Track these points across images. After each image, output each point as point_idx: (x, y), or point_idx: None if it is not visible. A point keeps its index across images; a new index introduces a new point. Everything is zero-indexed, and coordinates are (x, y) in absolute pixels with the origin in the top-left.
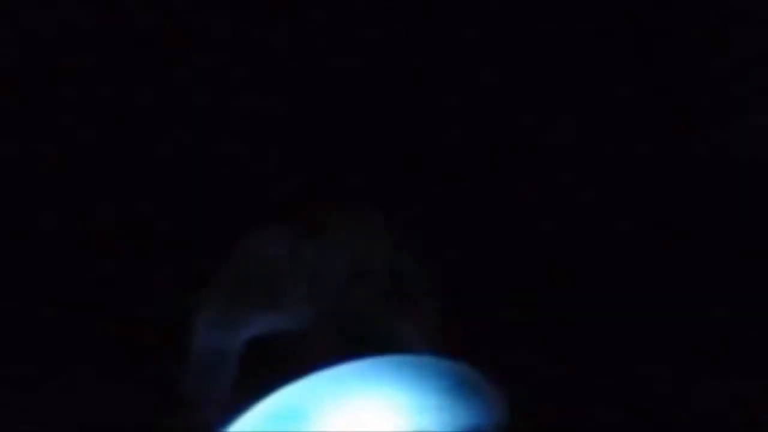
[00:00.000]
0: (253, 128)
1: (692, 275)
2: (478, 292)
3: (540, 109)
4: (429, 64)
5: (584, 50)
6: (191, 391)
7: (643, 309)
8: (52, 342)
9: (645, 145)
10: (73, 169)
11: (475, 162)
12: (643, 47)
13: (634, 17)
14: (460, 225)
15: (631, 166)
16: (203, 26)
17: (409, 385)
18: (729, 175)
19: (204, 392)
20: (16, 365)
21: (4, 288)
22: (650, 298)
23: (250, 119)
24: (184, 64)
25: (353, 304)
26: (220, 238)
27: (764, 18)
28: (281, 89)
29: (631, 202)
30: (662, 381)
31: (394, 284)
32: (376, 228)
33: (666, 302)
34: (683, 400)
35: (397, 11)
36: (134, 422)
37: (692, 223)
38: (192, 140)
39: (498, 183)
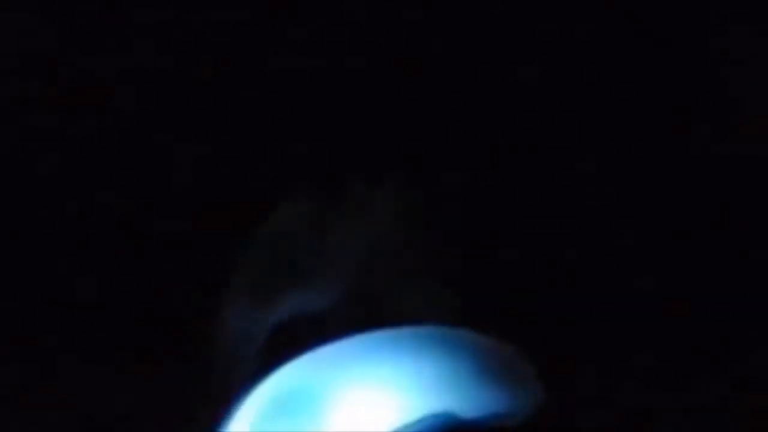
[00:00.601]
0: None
1: (692, 277)
2: (478, 291)
3: (539, 108)
4: (431, 61)
5: (583, 50)
6: (217, 379)
7: (643, 310)
8: (78, 325)
9: (644, 146)
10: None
11: (474, 160)
12: (642, 47)
13: (633, 16)
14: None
15: (631, 167)
16: (204, 25)
17: (435, 357)
18: (729, 177)
19: (230, 380)
20: (41, 354)
21: (19, 276)
22: (650, 300)
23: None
24: (186, 61)
25: (375, 284)
26: (241, 223)
27: (765, 18)
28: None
29: (631, 203)
30: (663, 382)
31: (415, 262)
32: (393, 205)
33: (665, 304)
34: (683, 401)
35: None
36: (159, 410)
37: (692, 224)
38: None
39: (497, 182)
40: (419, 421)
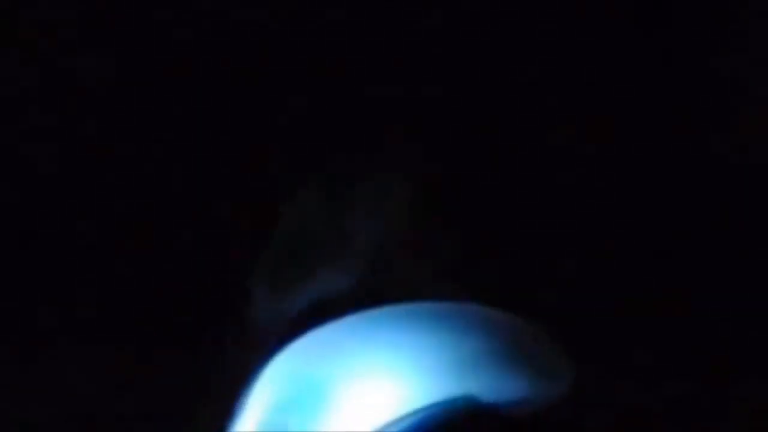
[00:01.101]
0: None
1: (692, 277)
2: (477, 291)
3: (539, 108)
4: (436, 60)
5: (583, 50)
6: (230, 377)
7: (643, 310)
8: (79, 325)
9: (643, 145)
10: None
11: (477, 156)
12: (642, 46)
13: (634, 17)
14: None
15: (630, 167)
16: (204, 25)
17: (444, 336)
18: (730, 177)
19: (246, 375)
20: (40, 353)
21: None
22: (650, 299)
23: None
24: (186, 61)
25: (391, 270)
26: (243, 222)
27: (766, 18)
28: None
29: (631, 202)
30: (663, 382)
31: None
32: (400, 195)
33: (665, 304)
34: (683, 401)
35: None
36: (159, 410)
37: (692, 224)
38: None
39: (498, 181)
40: (431, 406)
